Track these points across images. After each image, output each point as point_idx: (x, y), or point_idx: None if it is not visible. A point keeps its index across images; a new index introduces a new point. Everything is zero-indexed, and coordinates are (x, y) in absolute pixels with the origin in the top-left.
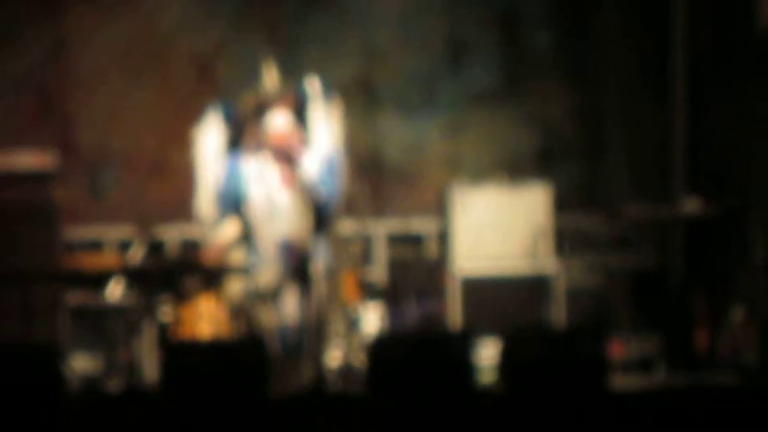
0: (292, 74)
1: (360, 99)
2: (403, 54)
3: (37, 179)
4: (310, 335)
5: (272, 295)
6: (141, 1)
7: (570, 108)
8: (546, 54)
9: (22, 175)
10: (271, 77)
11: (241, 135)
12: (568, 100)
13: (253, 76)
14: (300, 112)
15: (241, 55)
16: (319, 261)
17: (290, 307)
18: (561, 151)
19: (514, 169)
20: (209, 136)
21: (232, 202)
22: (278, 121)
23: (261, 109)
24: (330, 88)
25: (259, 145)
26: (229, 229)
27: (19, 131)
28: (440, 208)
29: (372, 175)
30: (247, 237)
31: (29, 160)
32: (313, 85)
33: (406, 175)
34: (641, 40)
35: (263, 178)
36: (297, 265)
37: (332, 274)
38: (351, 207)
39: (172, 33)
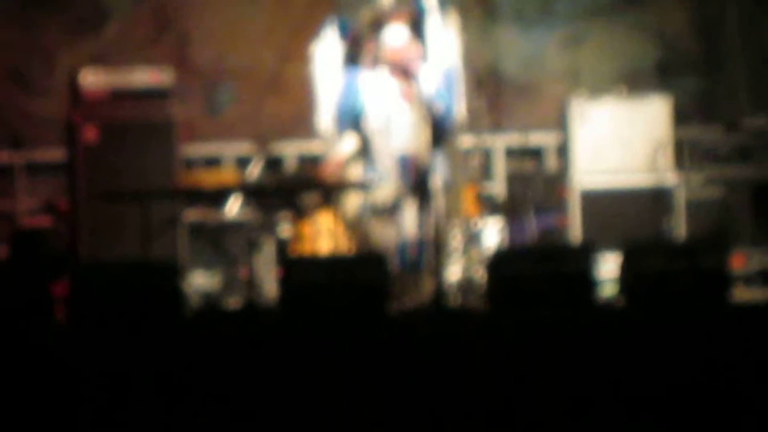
0: None
1: (477, 13)
2: None
3: (154, 96)
4: (430, 250)
5: (391, 211)
6: None
7: (689, 19)
8: None
9: (139, 92)
10: None
11: (358, 50)
12: (687, 11)
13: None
14: (417, 26)
15: None
16: (438, 175)
17: (409, 222)
18: (680, 63)
19: (633, 81)
20: (327, 52)
21: (351, 117)
22: (395, 35)
23: (378, 23)
24: (447, 2)
25: (377, 59)
26: (347, 145)
27: (136, 49)
28: (559, 122)
29: (490, 89)
30: (365, 152)
31: (146, 77)
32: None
33: (525, 88)
34: None
35: (381, 93)
36: (416, 179)
37: (451, 189)
38: (470, 121)
39: None
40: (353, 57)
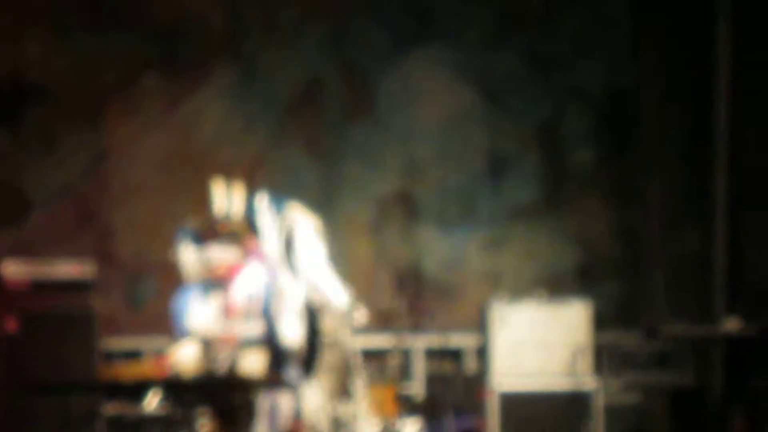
0: (331, 187)
1: (399, 212)
2: (443, 168)
3: (76, 288)
4: None
5: None
6: (181, 111)
7: (610, 225)
8: (586, 170)
9: (61, 284)
10: (219, 198)
11: None
12: (608, 217)
13: (293, 187)
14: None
15: (280, 167)
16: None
17: None
18: (601, 269)
19: (553, 285)
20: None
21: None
22: (216, 252)
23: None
24: (281, 203)
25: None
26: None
27: (58, 240)
28: (479, 324)
29: (411, 289)
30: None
31: (68, 269)
32: (261, 202)
33: (446, 289)
34: (683, 158)
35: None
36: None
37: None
38: (389, 320)
39: (212, 143)
40: None
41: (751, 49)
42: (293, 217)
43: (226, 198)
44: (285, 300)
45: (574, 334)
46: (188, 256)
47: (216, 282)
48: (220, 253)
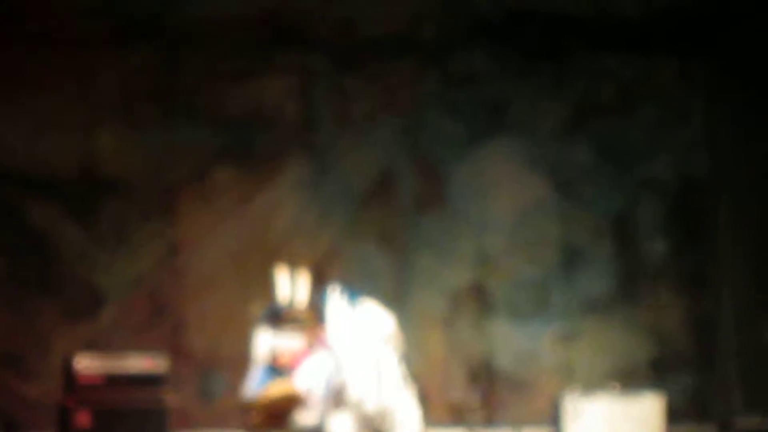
0: (403, 279)
1: (472, 305)
2: (516, 260)
3: (148, 383)
4: None
5: None
6: (254, 204)
7: (683, 317)
8: (660, 262)
9: (133, 378)
10: (285, 288)
11: None
12: (681, 309)
13: (365, 279)
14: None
15: (354, 260)
16: None
17: None
18: (674, 361)
19: (627, 378)
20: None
21: None
22: (285, 342)
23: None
24: (354, 295)
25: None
26: None
27: (131, 334)
28: (552, 418)
29: (484, 383)
30: None
31: (141, 363)
32: (332, 293)
33: (519, 383)
34: (756, 249)
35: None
36: None
37: None
38: (462, 415)
39: (285, 236)
40: None
41: None
42: (368, 314)
43: (290, 286)
44: (343, 394)
45: (647, 428)
46: (263, 339)
47: (281, 370)
48: (284, 341)
